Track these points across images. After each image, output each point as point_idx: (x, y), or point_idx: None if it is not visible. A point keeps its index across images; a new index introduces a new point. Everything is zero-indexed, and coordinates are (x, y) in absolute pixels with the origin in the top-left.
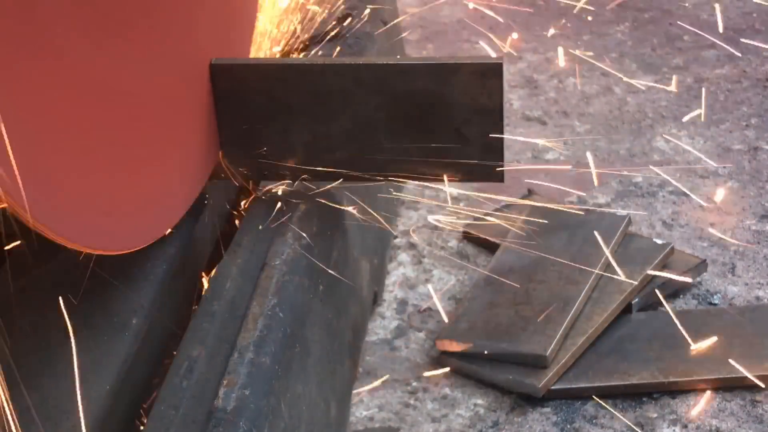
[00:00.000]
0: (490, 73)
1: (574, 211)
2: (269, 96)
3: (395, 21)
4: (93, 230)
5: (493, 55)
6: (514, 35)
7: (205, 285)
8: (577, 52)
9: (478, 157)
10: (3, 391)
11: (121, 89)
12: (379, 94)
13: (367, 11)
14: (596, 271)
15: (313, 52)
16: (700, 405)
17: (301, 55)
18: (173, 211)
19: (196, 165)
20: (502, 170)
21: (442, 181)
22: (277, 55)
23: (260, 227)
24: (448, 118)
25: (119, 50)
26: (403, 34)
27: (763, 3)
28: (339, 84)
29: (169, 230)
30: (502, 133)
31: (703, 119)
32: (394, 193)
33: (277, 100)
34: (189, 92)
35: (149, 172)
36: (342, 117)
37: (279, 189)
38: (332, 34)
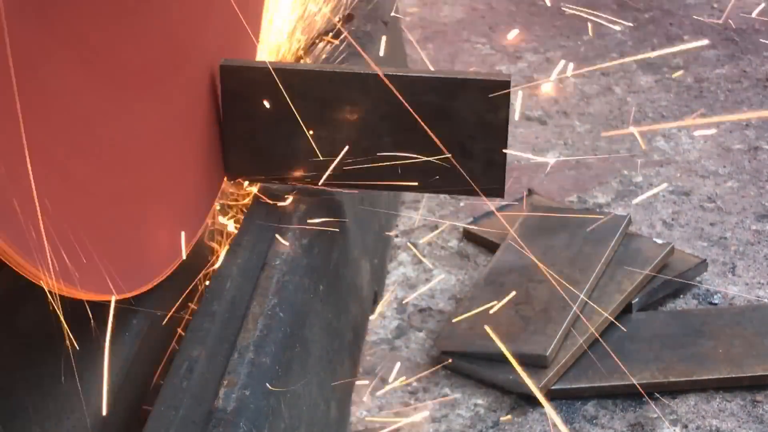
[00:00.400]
0: (498, 90)
1: (574, 210)
2: (276, 99)
3: (395, 21)
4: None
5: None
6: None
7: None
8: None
9: (480, 172)
10: None
11: (127, 137)
12: (385, 104)
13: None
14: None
15: (317, 53)
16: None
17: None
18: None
19: (203, 196)
20: (503, 187)
21: (442, 193)
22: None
23: (260, 227)
24: (453, 132)
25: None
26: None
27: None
28: (346, 92)
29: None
30: (505, 150)
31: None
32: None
33: (284, 103)
34: (195, 128)
35: (154, 218)
36: (347, 124)
37: (279, 189)
38: (333, 33)
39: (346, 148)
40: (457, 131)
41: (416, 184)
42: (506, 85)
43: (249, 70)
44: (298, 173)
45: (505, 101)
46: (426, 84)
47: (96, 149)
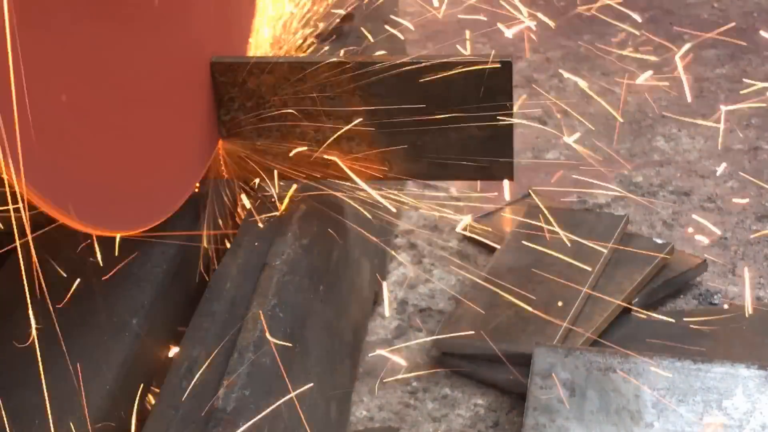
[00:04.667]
0: (499, 71)
1: (573, 210)
2: (270, 94)
3: (395, 20)
4: (100, 212)
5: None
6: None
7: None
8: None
9: (490, 154)
10: None
11: (126, 81)
12: (388, 91)
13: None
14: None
15: (320, 52)
16: None
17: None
18: (175, 194)
19: (197, 152)
20: (512, 168)
21: (452, 180)
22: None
23: (260, 227)
24: (458, 116)
25: (122, 44)
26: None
27: (762, 3)
28: (342, 82)
29: (169, 220)
30: (511, 131)
31: None
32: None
33: (279, 97)
34: (189, 86)
35: (152, 158)
36: (348, 116)
37: (280, 188)
38: (333, 33)
39: (347, 142)
40: (462, 116)
41: (423, 173)
42: (508, 65)
43: (241, 66)
44: (294, 169)
45: (508, 81)
46: (427, 68)
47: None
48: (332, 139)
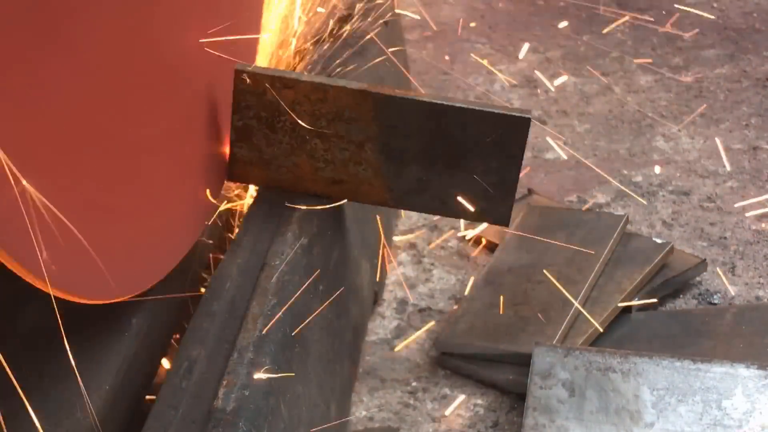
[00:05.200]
0: (517, 125)
1: (573, 210)
2: (288, 108)
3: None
4: (94, 281)
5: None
6: None
7: (206, 285)
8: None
9: (490, 200)
10: None
11: (122, 141)
12: (404, 124)
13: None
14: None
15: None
16: None
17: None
18: (172, 256)
19: (198, 207)
20: (510, 216)
21: (449, 217)
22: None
23: (260, 227)
24: (468, 160)
25: (119, 104)
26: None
27: (763, 3)
28: (362, 109)
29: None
30: (515, 182)
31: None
32: None
33: (296, 113)
34: (195, 134)
35: (152, 219)
36: (360, 142)
37: (279, 189)
38: (333, 33)
39: (356, 169)
40: (472, 160)
41: (423, 205)
42: (526, 121)
43: (262, 78)
44: (302, 186)
45: (523, 137)
46: (443, 111)
47: (95, 161)
48: (340, 160)
